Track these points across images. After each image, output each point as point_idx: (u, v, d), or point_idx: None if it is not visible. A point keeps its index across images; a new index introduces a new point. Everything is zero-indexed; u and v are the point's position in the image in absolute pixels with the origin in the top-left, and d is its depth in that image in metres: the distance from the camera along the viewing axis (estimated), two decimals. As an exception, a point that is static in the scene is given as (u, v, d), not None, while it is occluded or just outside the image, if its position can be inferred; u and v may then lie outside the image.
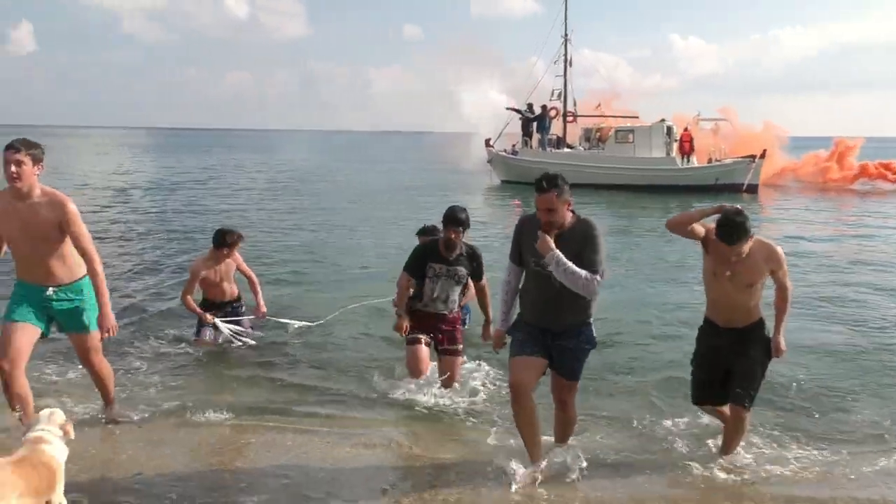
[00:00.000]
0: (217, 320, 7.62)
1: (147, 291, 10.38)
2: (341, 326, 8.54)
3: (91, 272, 4.88)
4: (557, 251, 4.38)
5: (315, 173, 40.59)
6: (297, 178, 35.87)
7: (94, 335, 5.03)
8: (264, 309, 7.87)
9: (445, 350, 6.45)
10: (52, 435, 3.78)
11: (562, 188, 4.43)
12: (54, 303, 4.91)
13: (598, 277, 4.41)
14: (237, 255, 7.81)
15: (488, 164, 34.19)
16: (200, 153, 68.49)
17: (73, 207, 4.75)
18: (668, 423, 5.72)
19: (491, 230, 17.38)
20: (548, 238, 4.42)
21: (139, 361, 7.13)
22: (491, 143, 34.49)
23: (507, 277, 4.88)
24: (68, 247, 4.83)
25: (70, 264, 4.88)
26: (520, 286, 4.85)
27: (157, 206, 22.34)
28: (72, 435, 3.91)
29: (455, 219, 6.10)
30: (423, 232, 7.63)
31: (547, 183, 4.44)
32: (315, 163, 52.59)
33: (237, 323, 7.83)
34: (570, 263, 4.35)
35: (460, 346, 6.51)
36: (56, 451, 3.75)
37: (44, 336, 5.00)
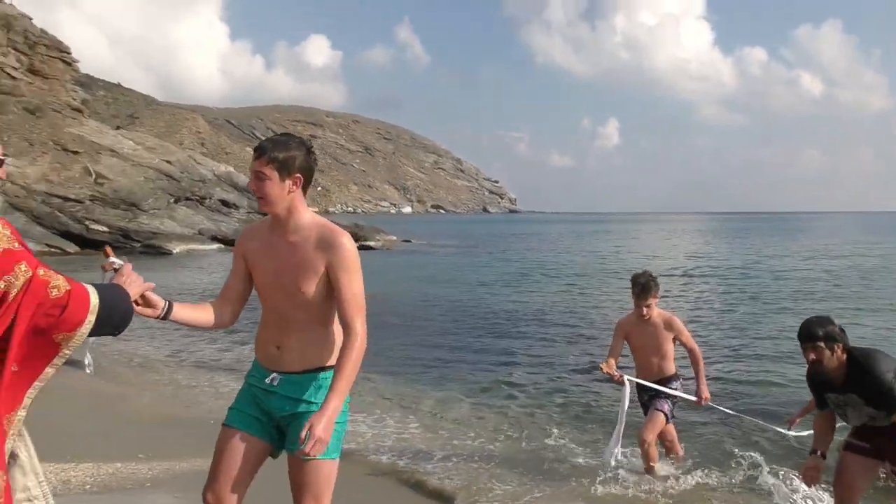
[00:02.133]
0: (628, 378, 5.87)
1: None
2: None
3: (344, 346, 2.93)
4: None
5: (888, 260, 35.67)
6: (858, 266, 31.80)
7: (323, 470, 3.00)
8: (707, 393, 5.96)
9: None
10: None
11: None
12: (275, 400, 3.07)
13: None
14: (677, 322, 6.02)
15: None
16: (771, 237, 66.37)
17: (348, 244, 2.98)
18: None
19: None
20: None
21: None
22: None
23: None
24: (334, 313, 3.07)
25: (321, 343, 3.05)
26: None
27: (711, 291, 21.78)
28: None
29: (806, 334, 4.41)
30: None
31: None
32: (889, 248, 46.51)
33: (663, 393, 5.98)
34: None
35: None
36: None
37: (273, 457, 3.16)
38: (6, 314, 2.16)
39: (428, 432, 7.25)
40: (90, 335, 2.33)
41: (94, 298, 2.31)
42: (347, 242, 2.99)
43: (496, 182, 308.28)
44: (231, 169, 50.05)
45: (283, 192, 2.94)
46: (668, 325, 5.96)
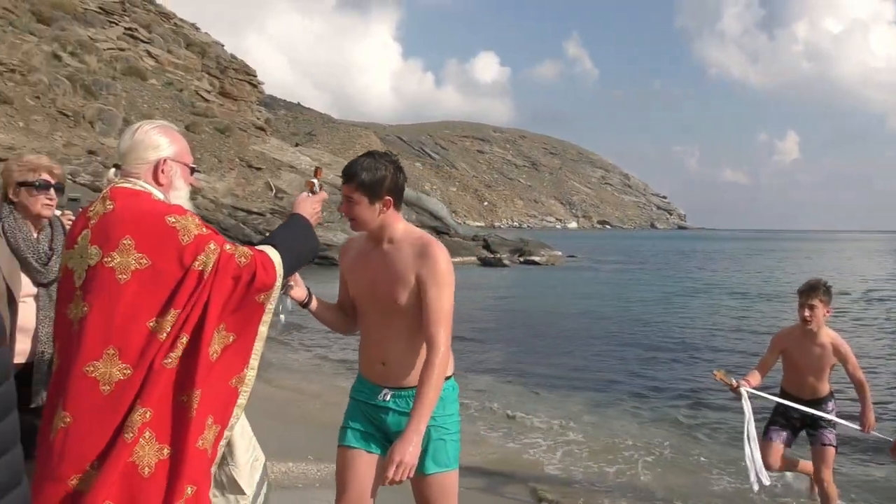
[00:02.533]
0: (747, 390, 5.10)
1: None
2: None
3: (426, 364, 2.81)
4: None
5: None
6: None
7: (445, 482, 2.99)
8: (872, 420, 5.23)
9: None
10: None
11: None
12: (389, 416, 3.02)
13: None
14: (846, 348, 5.31)
15: None
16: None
17: (441, 256, 2.90)
18: None
19: None
20: None
21: None
22: None
23: None
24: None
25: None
26: None
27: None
28: None
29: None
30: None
31: None
32: None
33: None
34: None
35: None
36: None
37: None
38: (204, 290, 2.40)
39: (589, 449, 7.25)
40: (288, 275, 2.62)
41: (276, 256, 2.56)
42: (441, 254, 2.91)
43: (664, 197, 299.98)
44: (400, 184, 51.47)
45: (374, 213, 2.93)
46: (837, 350, 5.30)
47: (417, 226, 3.02)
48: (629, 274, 38.09)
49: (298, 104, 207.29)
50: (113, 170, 2.66)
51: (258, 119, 50.55)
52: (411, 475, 2.69)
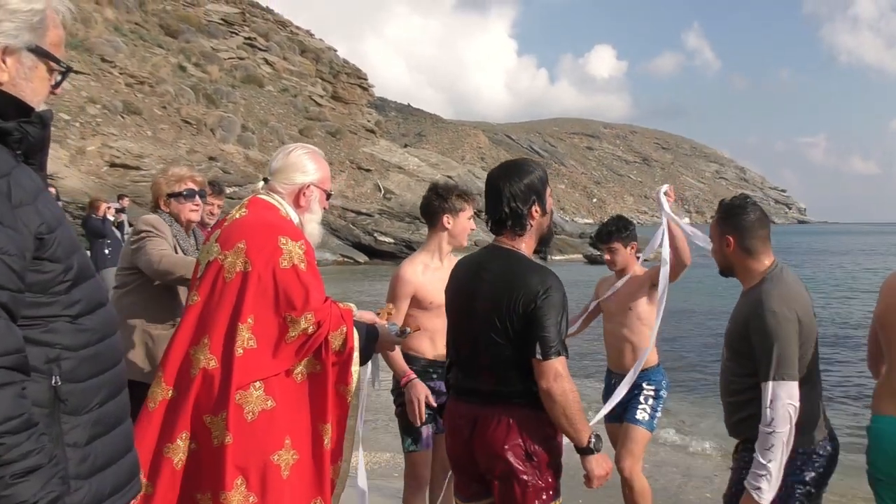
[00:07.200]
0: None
1: None
2: None
3: None
4: None
5: None
6: None
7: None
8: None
9: None
10: None
11: None
12: None
13: None
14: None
15: None
16: None
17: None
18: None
19: None
20: None
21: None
22: None
23: None
24: None
25: None
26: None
27: None
28: None
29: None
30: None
31: None
32: None
33: None
34: None
35: None
36: None
37: None
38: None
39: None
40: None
41: (358, 363, 2.72)
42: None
43: (783, 191, 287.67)
44: (506, 183, 51.52)
45: None
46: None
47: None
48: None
49: (409, 105, 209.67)
50: (261, 183, 2.83)
51: (368, 121, 51.81)
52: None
